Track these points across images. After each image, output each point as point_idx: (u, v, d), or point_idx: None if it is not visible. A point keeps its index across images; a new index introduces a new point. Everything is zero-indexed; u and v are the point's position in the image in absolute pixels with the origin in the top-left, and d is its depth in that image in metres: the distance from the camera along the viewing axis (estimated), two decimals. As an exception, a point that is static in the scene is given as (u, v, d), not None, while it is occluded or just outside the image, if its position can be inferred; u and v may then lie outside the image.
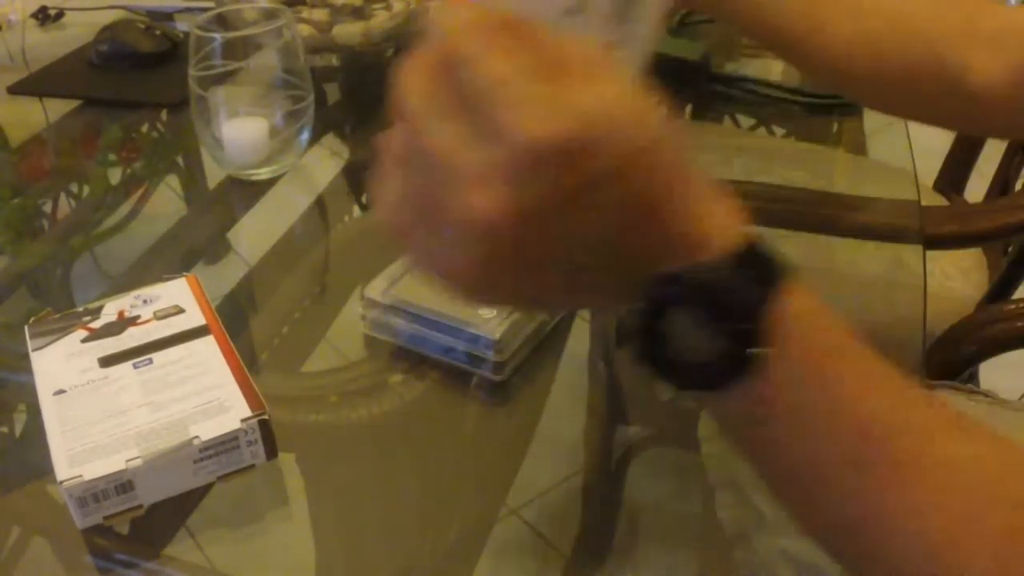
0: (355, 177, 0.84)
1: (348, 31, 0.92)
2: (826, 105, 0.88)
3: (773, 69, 0.98)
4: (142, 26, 1.02)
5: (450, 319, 0.56)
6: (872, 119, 0.87)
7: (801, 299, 0.35)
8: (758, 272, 0.35)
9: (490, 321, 0.55)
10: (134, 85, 0.97)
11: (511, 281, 0.34)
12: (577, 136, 0.29)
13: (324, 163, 0.85)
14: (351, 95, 0.99)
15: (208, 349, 0.54)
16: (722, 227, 0.35)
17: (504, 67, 0.30)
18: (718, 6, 0.62)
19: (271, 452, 0.50)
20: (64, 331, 0.56)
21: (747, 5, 0.60)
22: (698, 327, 0.34)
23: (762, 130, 0.90)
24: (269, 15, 0.78)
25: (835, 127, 0.88)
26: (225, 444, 0.48)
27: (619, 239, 0.33)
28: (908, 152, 0.78)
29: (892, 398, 0.36)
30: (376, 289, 0.59)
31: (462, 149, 0.30)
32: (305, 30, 0.92)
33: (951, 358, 0.83)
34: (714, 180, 0.36)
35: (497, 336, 0.54)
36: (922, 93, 0.59)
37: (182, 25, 1.09)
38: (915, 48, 0.59)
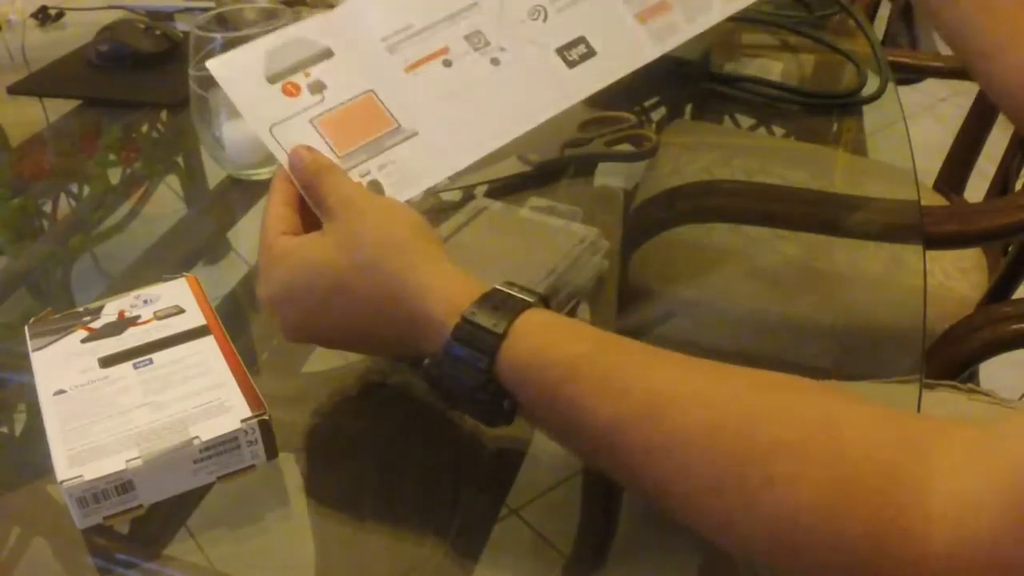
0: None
1: (348, 31, 0.92)
2: (826, 105, 0.88)
3: (773, 69, 0.98)
4: (142, 26, 1.02)
5: None
6: (872, 119, 0.87)
7: (526, 341, 0.43)
8: (479, 342, 0.42)
9: None
10: (134, 85, 0.97)
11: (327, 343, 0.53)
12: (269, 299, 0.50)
13: (324, 163, 0.85)
14: (351, 95, 0.99)
15: (208, 349, 0.54)
16: (445, 309, 0.44)
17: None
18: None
19: (271, 452, 0.50)
20: (64, 331, 0.56)
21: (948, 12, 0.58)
22: (459, 401, 0.45)
23: (762, 130, 0.90)
24: (269, 15, 0.78)
25: (835, 127, 0.88)
26: (225, 444, 0.48)
27: (367, 333, 0.49)
28: (908, 152, 0.78)
29: (619, 398, 0.40)
30: None
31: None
32: (305, 30, 0.92)
33: (951, 358, 0.83)
34: (437, 268, 0.47)
35: None
36: None
37: (182, 25, 1.09)
38: None
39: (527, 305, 0.44)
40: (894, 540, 0.33)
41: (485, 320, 0.43)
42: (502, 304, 0.43)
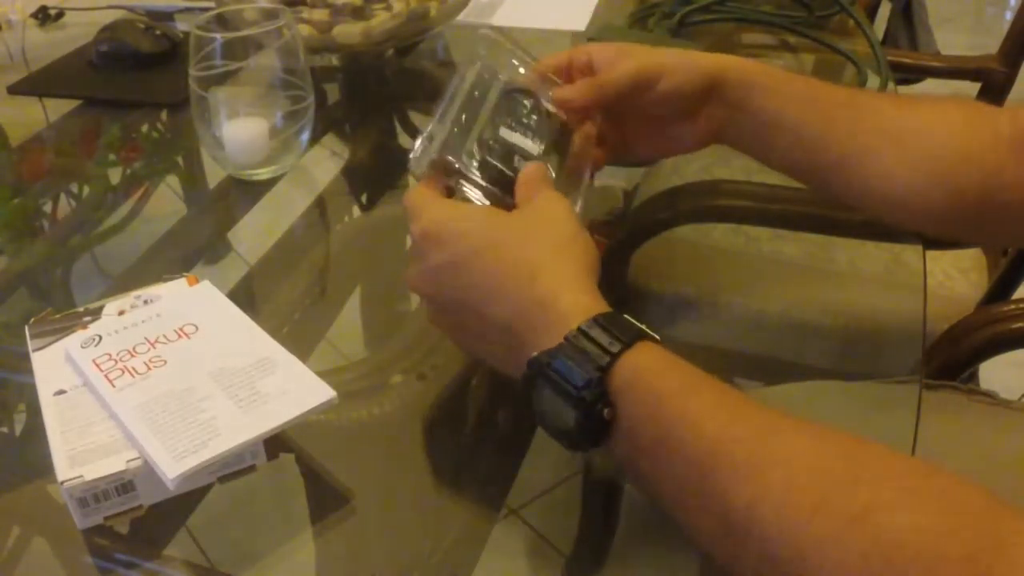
0: (355, 177, 0.84)
1: (348, 31, 0.92)
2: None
3: (773, 69, 0.98)
4: (142, 26, 1.02)
5: None
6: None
7: (642, 356, 0.42)
8: (593, 347, 0.42)
9: None
10: (134, 85, 0.97)
11: (464, 340, 0.52)
12: (424, 233, 0.50)
13: (324, 163, 0.85)
14: (351, 95, 0.99)
15: (208, 349, 0.54)
16: (573, 307, 0.44)
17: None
18: (747, 142, 0.63)
19: (271, 452, 0.50)
20: (64, 331, 0.56)
21: (782, 141, 0.61)
22: (555, 401, 0.43)
23: (762, 130, 0.90)
24: (269, 15, 0.78)
25: (835, 127, 0.87)
26: (225, 444, 0.48)
27: (479, 308, 0.48)
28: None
29: (725, 418, 0.40)
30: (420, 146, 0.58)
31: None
32: (305, 30, 0.92)
33: (951, 358, 0.83)
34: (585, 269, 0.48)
35: None
36: (969, 213, 0.59)
37: (182, 25, 1.09)
38: (957, 169, 0.58)
39: (649, 335, 0.44)
40: (998, 566, 0.33)
41: (612, 328, 0.43)
42: (629, 326, 0.44)
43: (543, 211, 0.51)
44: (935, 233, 0.66)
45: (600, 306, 0.45)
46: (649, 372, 0.42)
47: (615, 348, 0.42)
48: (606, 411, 0.41)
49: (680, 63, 0.59)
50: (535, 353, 0.44)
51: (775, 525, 0.36)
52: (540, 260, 0.47)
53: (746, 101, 0.60)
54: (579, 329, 0.43)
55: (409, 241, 0.53)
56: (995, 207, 0.57)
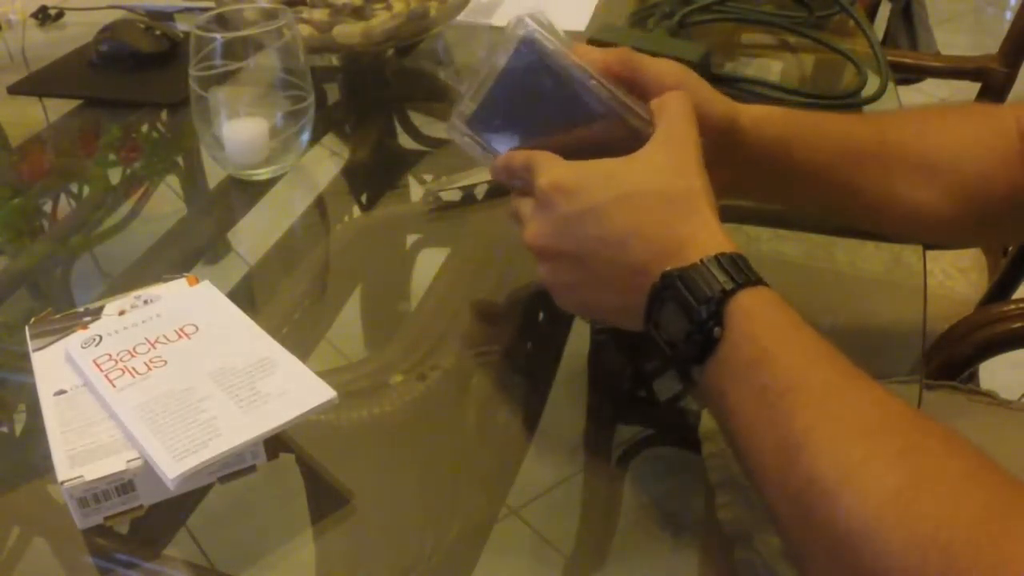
0: (355, 177, 0.84)
1: (348, 31, 0.92)
2: (826, 105, 0.88)
3: (773, 69, 0.98)
4: (142, 26, 1.02)
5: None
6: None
7: (757, 293, 0.46)
8: (722, 275, 0.46)
9: None
10: (134, 85, 0.97)
11: (578, 296, 0.53)
12: (556, 184, 0.51)
13: (324, 163, 0.85)
14: (351, 95, 0.99)
15: (208, 349, 0.54)
16: (704, 243, 0.47)
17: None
18: (766, 193, 0.64)
19: (271, 452, 0.50)
20: (64, 331, 0.56)
21: (809, 192, 0.62)
22: (676, 313, 0.46)
23: (762, 130, 0.90)
24: (269, 15, 0.78)
25: (835, 127, 0.87)
26: (225, 444, 0.48)
27: (614, 253, 0.49)
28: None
29: (813, 356, 0.43)
30: (459, 115, 0.59)
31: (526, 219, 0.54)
32: (305, 30, 0.92)
33: (951, 358, 0.83)
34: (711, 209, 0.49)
35: None
36: (998, 221, 0.61)
37: (182, 25, 1.09)
38: (981, 187, 0.60)
39: (765, 283, 0.47)
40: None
41: (740, 264, 0.46)
42: (751, 269, 0.47)
43: (681, 149, 0.51)
44: (965, 245, 0.68)
45: (732, 247, 0.47)
46: (764, 304, 0.45)
47: (741, 278, 0.45)
48: (716, 330, 0.44)
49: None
50: (668, 268, 0.47)
51: (827, 447, 0.39)
52: (684, 200, 0.49)
53: (768, 153, 0.60)
54: (718, 255, 0.46)
55: (520, 207, 0.54)
56: (1019, 212, 0.60)
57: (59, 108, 0.95)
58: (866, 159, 0.60)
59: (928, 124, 0.62)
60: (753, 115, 0.59)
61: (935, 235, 0.66)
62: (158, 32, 1.01)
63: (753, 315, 0.45)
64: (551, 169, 0.52)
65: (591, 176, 0.51)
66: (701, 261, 0.46)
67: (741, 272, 0.46)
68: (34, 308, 0.63)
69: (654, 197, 0.50)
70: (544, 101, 0.57)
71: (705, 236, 0.48)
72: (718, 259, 0.46)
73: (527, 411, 0.57)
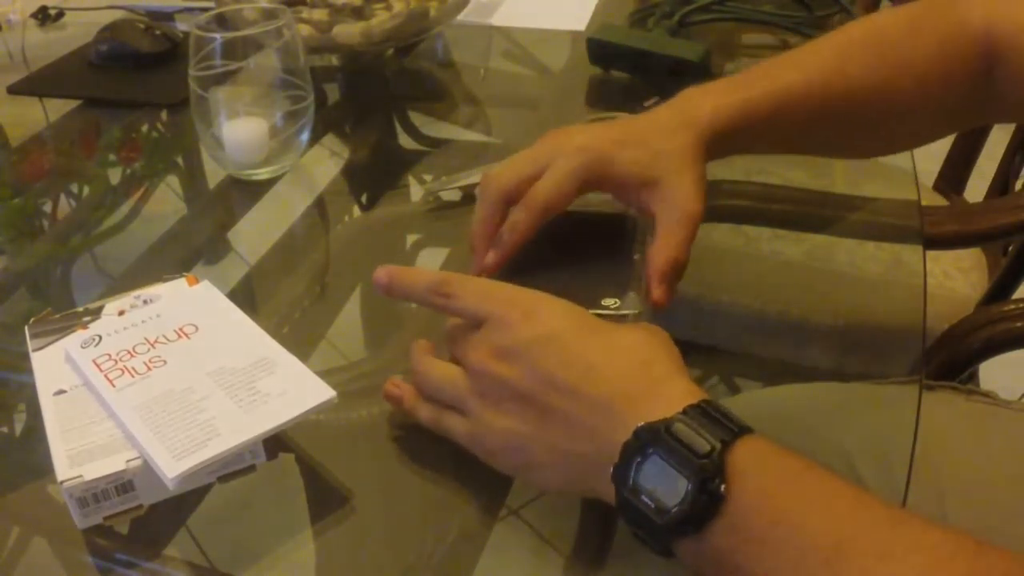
0: (355, 177, 0.84)
1: (348, 31, 0.92)
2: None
3: (773, 69, 0.98)
4: (142, 26, 1.02)
5: None
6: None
7: (752, 442, 0.40)
8: (711, 421, 0.40)
9: None
10: (134, 85, 0.97)
11: (520, 448, 0.46)
12: (511, 302, 0.48)
13: (324, 163, 0.85)
14: (351, 95, 0.99)
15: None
16: (681, 388, 0.42)
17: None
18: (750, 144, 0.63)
19: (271, 452, 0.50)
20: (64, 331, 0.56)
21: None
22: (665, 472, 0.39)
23: (762, 130, 0.90)
24: (269, 15, 0.78)
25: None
26: (225, 444, 0.48)
27: (574, 386, 0.43)
28: (908, 152, 0.78)
29: (851, 503, 0.38)
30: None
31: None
32: (305, 30, 0.92)
33: (951, 358, 0.83)
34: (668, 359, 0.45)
35: None
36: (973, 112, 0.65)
37: (182, 25, 1.09)
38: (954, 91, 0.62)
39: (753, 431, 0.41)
40: None
41: (728, 412, 0.41)
42: (737, 417, 0.41)
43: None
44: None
45: (704, 394, 0.43)
46: (769, 453, 0.40)
47: (735, 427, 0.40)
48: (723, 487, 0.38)
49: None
50: (642, 423, 0.40)
51: None
52: (653, 350, 0.45)
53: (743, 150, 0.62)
54: (701, 403, 0.41)
55: (448, 324, 0.50)
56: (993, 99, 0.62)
57: (59, 108, 0.95)
58: (838, 122, 0.62)
59: (883, 66, 0.62)
60: (714, 137, 0.58)
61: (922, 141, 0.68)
62: (158, 32, 1.01)
63: (761, 467, 0.39)
64: (502, 290, 0.49)
65: (558, 304, 0.47)
66: (688, 409, 0.40)
67: (730, 420, 0.40)
68: (34, 308, 0.63)
69: (621, 334, 0.46)
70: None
71: (680, 382, 0.43)
72: (702, 407, 0.40)
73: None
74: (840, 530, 0.36)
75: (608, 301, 0.55)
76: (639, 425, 0.40)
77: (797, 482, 0.39)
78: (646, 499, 0.39)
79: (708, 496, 0.38)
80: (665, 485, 0.39)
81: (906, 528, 0.36)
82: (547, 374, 0.44)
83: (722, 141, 0.59)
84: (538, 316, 0.46)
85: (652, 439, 0.40)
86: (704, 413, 0.40)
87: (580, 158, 0.56)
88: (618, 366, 0.44)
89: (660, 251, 0.55)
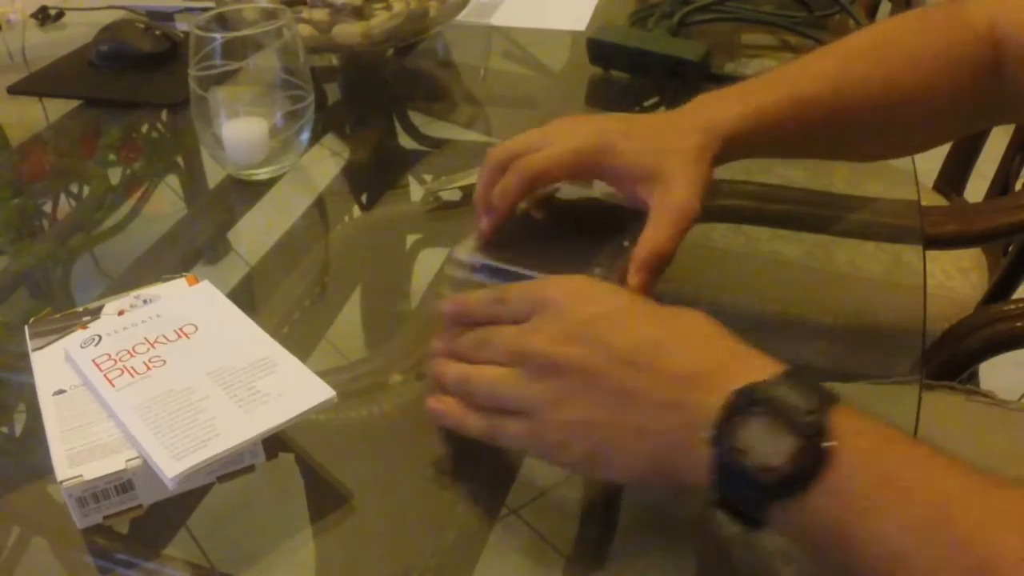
0: (355, 177, 0.84)
1: (348, 31, 0.92)
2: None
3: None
4: (142, 26, 1.02)
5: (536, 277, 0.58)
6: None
7: (847, 407, 0.39)
8: (805, 386, 0.39)
9: None
10: (134, 85, 0.97)
11: (589, 430, 0.43)
12: (566, 290, 0.48)
13: (324, 163, 0.85)
14: (351, 95, 0.99)
15: (208, 349, 0.54)
16: (756, 358, 0.42)
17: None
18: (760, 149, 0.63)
19: (271, 452, 0.50)
20: (64, 331, 0.56)
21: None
22: (770, 430, 0.38)
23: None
24: (269, 15, 0.78)
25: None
26: (225, 444, 0.48)
27: (651, 359, 0.42)
28: (919, 152, 0.78)
29: (961, 466, 0.37)
30: (464, 250, 0.62)
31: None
32: (305, 30, 0.92)
33: (951, 358, 0.83)
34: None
35: None
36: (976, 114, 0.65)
37: (182, 25, 1.09)
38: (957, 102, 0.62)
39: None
40: None
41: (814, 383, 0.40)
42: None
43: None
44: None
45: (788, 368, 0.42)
46: (866, 418, 0.39)
47: (828, 392, 0.39)
48: (828, 446, 0.37)
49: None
50: (738, 385, 0.39)
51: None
52: (711, 327, 0.44)
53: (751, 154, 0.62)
54: (788, 370, 0.40)
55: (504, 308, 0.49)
56: (996, 101, 0.62)
57: (59, 108, 0.95)
58: (848, 127, 0.62)
59: (891, 69, 0.62)
60: (723, 144, 0.59)
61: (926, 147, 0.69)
62: (158, 32, 1.01)
63: (861, 430, 0.38)
64: (548, 281, 0.49)
65: (598, 284, 0.48)
66: (784, 373, 0.40)
67: (821, 387, 0.40)
68: (34, 308, 0.63)
69: (675, 312, 0.45)
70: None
71: (756, 353, 0.42)
72: (791, 373, 0.40)
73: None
74: (945, 492, 0.36)
75: None
76: (736, 387, 0.39)
77: (897, 445, 0.38)
78: (750, 459, 0.38)
79: (814, 455, 0.37)
80: (769, 444, 0.38)
81: (1009, 491, 0.36)
82: (616, 351, 0.43)
83: (734, 147, 0.59)
84: (592, 296, 0.46)
85: (754, 399, 0.39)
86: (796, 378, 0.39)
87: (582, 140, 0.58)
88: (687, 342, 0.43)
89: (646, 240, 0.55)
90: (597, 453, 0.43)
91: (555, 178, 0.60)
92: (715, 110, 0.60)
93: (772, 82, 0.62)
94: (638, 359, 0.43)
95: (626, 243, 0.59)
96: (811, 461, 0.37)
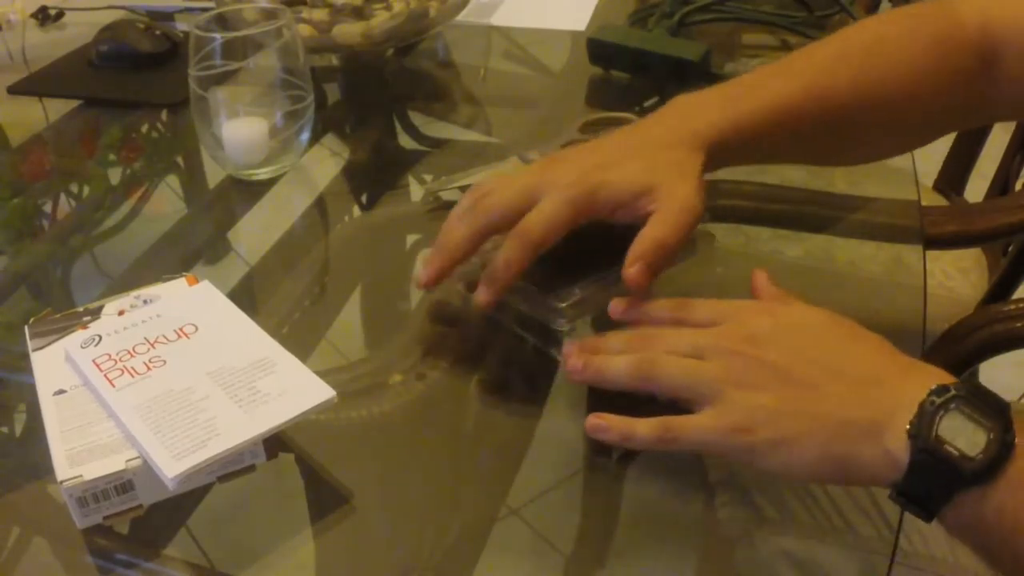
0: (355, 177, 0.84)
1: (348, 31, 0.92)
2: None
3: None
4: (142, 26, 1.02)
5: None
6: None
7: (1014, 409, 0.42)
8: (982, 391, 0.43)
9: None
10: (134, 85, 0.97)
11: (778, 417, 0.45)
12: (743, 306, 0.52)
13: (324, 163, 0.85)
14: (351, 95, 0.99)
15: (208, 349, 0.54)
16: (934, 371, 0.44)
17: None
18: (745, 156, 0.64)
19: (271, 452, 0.50)
20: (64, 331, 0.56)
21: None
22: (968, 423, 0.41)
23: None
24: (269, 15, 0.78)
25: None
26: (225, 444, 0.48)
27: (834, 362, 0.46)
28: (908, 152, 0.78)
29: None
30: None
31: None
32: (305, 30, 0.92)
33: (951, 358, 0.83)
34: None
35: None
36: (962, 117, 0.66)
37: (182, 25, 1.09)
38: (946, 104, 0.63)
39: None
40: None
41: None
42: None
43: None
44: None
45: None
46: None
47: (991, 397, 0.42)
48: (1015, 438, 0.40)
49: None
50: (933, 385, 0.42)
51: None
52: (880, 340, 0.48)
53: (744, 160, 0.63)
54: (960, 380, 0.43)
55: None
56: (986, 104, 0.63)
57: (59, 108, 0.95)
58: (830, 131, 0.62)
59: (879, 71, 0.62)
60: (712, 153, 0.59)
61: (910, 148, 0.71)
62: (158, 32, 1.01)
63: None
64: (706, 301, 0.51)
65: (779, 303, 0.51)
66: (961, 381, 0.43)
67: (990, 390, 0.43)
68: (34, 308, 0.63)
69: (848, 325, 0.48)
70: None
71: (929, 364, 0.45)
72: (966, 382, 0.43)
73: (527, 410, 0.57)
74: None
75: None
76: (934, 386, 0.42)
77: None
78: (950, 448, 0.40)
79: (1004, 447, 0.40)
80: (969, 436, 0.41)
81: None
82: (806, 355, 0.46)
83: (717, 155, 0.59)
84: (778, 311, 0.49)
85: (952, 395, 0.42)
86: (973, 382, 0.43)
87: (570, 192, 0.56)
88: (867, 351, 0.47)
89: (648, 230, 0.55)
90: (781, 440, 0.44)
91: (557, 240, 0.57)
92: (692, 118, 0.60)
93: (754, 85, 0.61)
94: (824, 358, 0.46)
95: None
96: (1001, 454, 0.40)
